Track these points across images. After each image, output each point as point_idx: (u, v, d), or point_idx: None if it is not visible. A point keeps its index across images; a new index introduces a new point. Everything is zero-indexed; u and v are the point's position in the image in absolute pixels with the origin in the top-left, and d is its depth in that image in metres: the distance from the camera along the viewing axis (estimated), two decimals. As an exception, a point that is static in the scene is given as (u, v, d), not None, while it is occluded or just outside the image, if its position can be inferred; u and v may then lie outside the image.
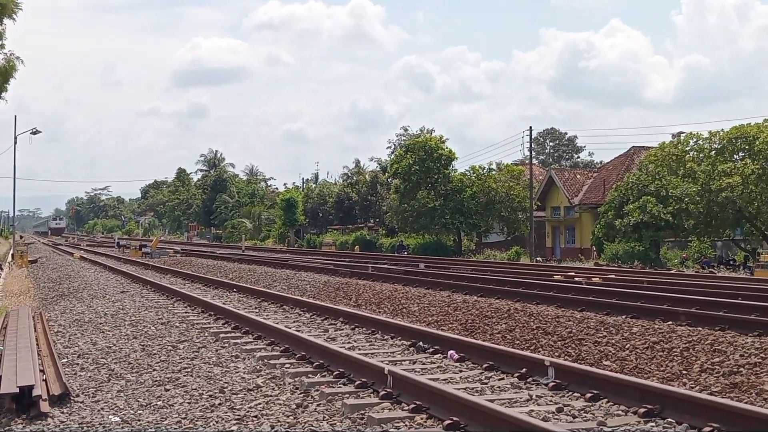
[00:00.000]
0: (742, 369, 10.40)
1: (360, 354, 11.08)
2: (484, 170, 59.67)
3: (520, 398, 8.80)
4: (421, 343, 12.49)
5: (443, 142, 59.89)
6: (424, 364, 11.20)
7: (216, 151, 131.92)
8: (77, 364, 11.48)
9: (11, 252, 51.83)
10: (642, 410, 7.91)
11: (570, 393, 9.00)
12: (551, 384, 9.31)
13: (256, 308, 18.71)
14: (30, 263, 42.06)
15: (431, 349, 12.07)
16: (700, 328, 12.99)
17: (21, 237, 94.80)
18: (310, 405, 8.57)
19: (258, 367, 10.91)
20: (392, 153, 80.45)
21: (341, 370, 10.05)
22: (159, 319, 16.46)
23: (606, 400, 8.53)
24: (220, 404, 8.77)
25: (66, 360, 11.72)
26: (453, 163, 59.71)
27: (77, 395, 9.30)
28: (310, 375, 10.20)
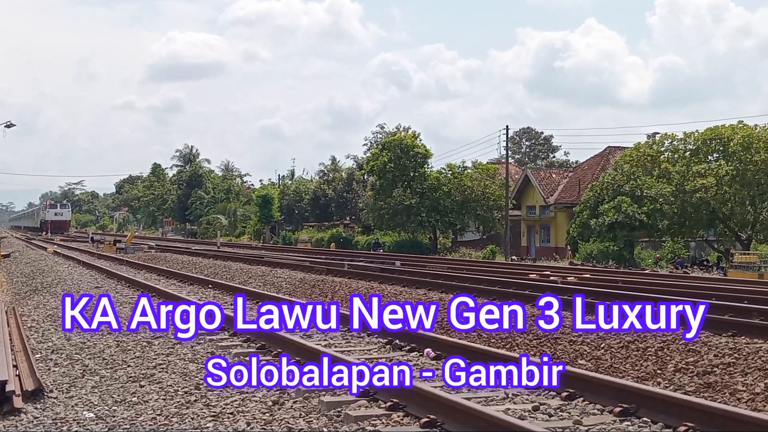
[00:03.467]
0: (715, 369, 10.49)
1: (337, 351, 11.06)
2: (460, 168, 59.82)
3: (497, 396, 8.81)
4: (397, 341, 12.49)
5: (416, 137, 59.95)
6: (400, 361, 11.19)
7: (191, 146, 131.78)
8: (51, 359, 11.40)
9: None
10: (617, 409, 7.95)
11: (546, 391, 9.02)
12: (527, 382, 9.32)
13: (231, 304, 18.62)
14: (3, 257, 41.68)
15: (408, 347, 12.07)
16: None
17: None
18: (286, 402, 8.54)
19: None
20: (368, 150, 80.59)
21: (318, 367, 10.01)
22: (134, 314, 16.32)
23: (582, 398, 8.56)
24: (195, 401, 8.72)
25: (39, 355, 11.63)
26: (429, 160, 59.82)
27: (51, 391, 9.23)
28: (286, 372, 10.15)
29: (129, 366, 10.81)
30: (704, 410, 7.42)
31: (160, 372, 10.36)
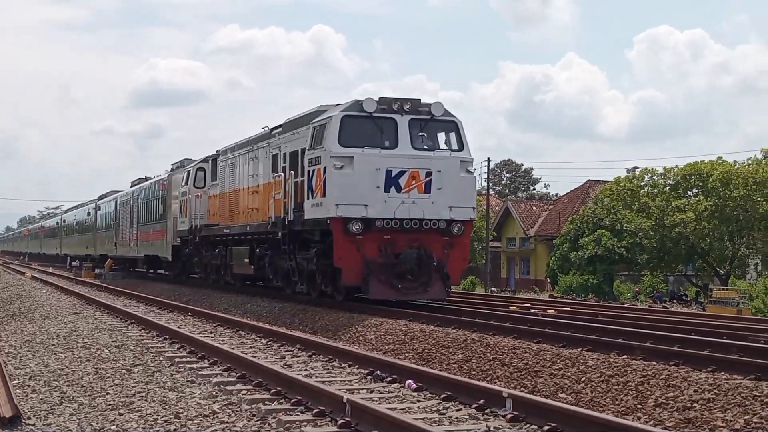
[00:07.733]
0: (695, 404, 10.50)
1: (317, 381, 11.03)
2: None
3: (478, 429, 8.81)
4: (378, 372, 12.47)
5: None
6: (381, 393, 11.17)
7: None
8: (29, 386, 11.28)
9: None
10: (599, 444, 7.96)
11: (528, 425, 9.02)
12: (509, 415, 9.32)
13: (211, 333, 18.55)
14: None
15: (389, 378, 12.04)
16: (655, 363, 13.09)
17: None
18: (267, 433, 8.50)
19: (214, 392, 10.79)
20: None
21: (299, 397, 9.99)
22: (113, 341, 16.24)
23: (563, 432, 8.55)
24: (175, 430, 8.66)
25: (17, 381, 11.51)
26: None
27: (29, 417, 9.13)
28: (267, 402, 10.11)
29: (108, 393, 10.72)
30: (685, 446, 7.44)
31: (139, 400, 10.27)
